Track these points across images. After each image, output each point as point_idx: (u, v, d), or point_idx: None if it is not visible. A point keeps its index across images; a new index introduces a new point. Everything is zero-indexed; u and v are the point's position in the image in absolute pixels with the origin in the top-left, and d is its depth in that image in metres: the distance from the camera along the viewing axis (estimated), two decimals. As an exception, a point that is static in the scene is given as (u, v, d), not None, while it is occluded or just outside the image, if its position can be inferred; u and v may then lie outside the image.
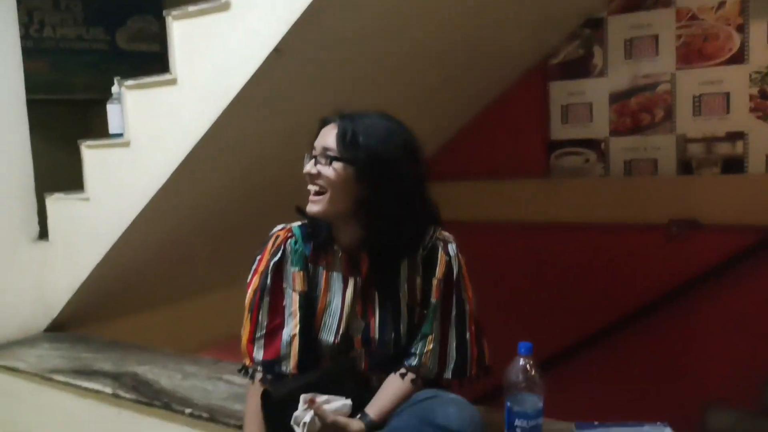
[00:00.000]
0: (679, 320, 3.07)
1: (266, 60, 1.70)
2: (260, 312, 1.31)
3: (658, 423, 1.40)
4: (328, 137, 1.25)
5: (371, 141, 1.23)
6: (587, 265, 3.25)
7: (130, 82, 1.99)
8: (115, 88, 2.06)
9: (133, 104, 2.00)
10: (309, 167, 1.25)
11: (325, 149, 1.24)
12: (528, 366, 1.21)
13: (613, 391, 3.02)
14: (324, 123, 1.30)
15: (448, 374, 1.32)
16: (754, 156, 2.90)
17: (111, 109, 2.05)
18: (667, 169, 3.09)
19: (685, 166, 3.05)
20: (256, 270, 1.33)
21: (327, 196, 1.23)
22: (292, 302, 1.31)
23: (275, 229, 1.37)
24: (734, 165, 2.95)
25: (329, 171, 1.23)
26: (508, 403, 1.22)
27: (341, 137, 1.23)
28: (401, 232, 1.26)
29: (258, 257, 1.34)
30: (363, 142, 1.22)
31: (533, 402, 1.21)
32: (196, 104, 1.84)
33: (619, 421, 1.41)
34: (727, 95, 2.92)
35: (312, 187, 1.25)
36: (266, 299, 1.31)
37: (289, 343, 1.30)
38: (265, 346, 1.31)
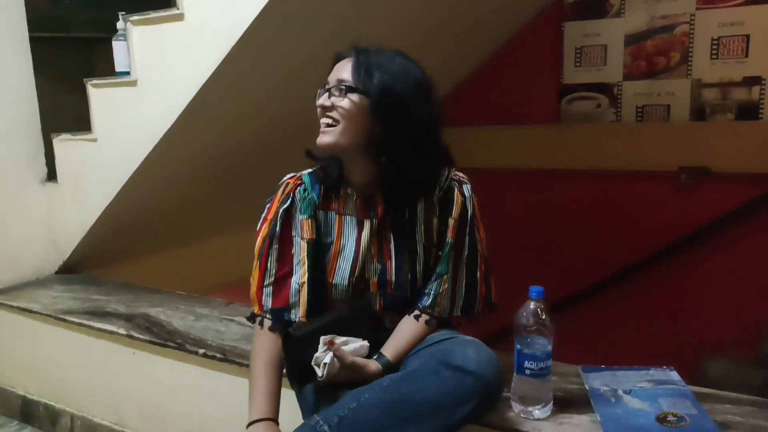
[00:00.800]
0: (686, 269, 3.08)
1: (277, -7, 1.64)
2: (269, 259, 1.31)
3: (665, 367, 1.42)
4: (343, 70, 1.24)
5: (387, 75, 1.22)
6: (596, 212, 3.24)
7: (135, 18, 1.92)
8: (120, 24, 2.00)
9: (139, 41, 1.94)
10: (323, 99, 1.23)
11: (340, 81, 1.22)
12: (539, 310, 1.22)
13: (617, 336, 3.07)
14: (338, 58, 1.28)
15: (457, 312, 1.34)
16: (770, 102, 2.85)
17: (117, 46, 2.00)
18: (680, 115, 3.03)
19: (699, 112, 3.00)
20: (265, 218, 1.33)
21: (339, 127, 1.21)
22: (301, 250, 1.31)
23: (285, 178, 1.35)
24: (749, 111, 2.90)
25: (344, 102, 1.21)
26: (518, 346, 1.23)
27: (356, 69, 1.22)
28: (412, 170, 1.25)
29: (267, 205, 1.33)
30: (378, 75, 1.21)
31: (543, 345, 1.22)
32: (204, 40, 1.80)
33: (624, 365, 1.43)
34: (747, 38, 2.84)
35: (324, 120, 1.23)
36: (275, 247, 1.31)
37: (298, 291, 1.30)
38: (274, 294, 1.32)
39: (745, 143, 2.89)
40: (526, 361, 1.22)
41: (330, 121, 1.22)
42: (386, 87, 1.21)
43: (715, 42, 2.90)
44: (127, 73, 2.00)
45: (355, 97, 1.21)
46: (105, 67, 2.12)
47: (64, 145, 2.25)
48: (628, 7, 3.06)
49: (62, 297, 2.16)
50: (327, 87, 1.24)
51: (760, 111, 2.87)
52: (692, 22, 2.93)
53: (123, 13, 2.00)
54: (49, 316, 2.02)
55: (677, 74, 3.01)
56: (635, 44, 3.08)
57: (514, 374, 1.25)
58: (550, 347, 1.22)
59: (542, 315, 1.22)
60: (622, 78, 3.14)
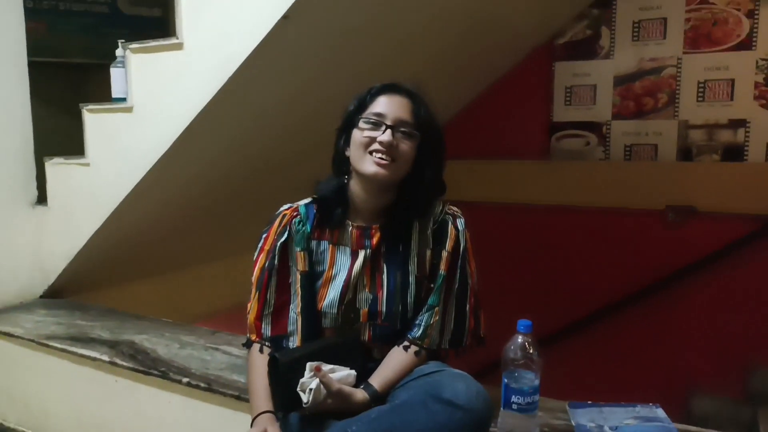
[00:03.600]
0: (672, 306, 3.10)
1: (274, 27, 1.67)
2: (268, 290, 1.34)
3: (651, 404, 1.42)
4: (402, 111, 1.29)
5: (435, 119, 1.32)
6: (584, 248, 3.26)
7: (135, 46, 1.95)
8: (119, 51, 2.02)
9: (137, 68, 1.96)
10: (386, 137, 1.26)
11: (403, 122, 1.28)
12: (527, 344, 1.22)
13: (605, 372, 3.06)
14: (384, 90, 1.32)
15: (445, 344, 1.35)
16: (754, 144, 2.91)
17: (114, 72, 2.02)
18: (668, 154, 3.09)
19: (686, 153, 3.06)
20: (262, 248, 1.35)
21: (396, 164, 1.27)
22: (296, 281, 1.33)
23: (282, 208, 1.38)
24: (734, 153, 2.95)
25: (406, 146, 1.27)
26: (506, 380, 1.23)
27: (416, 112, 1.30)
28: (427, 199, 1.33)
29: (264, 235, 1.36)
30: (430, 119, 1.31)
31: (530, 379, 1.22)
32: (202, 70, 1.82)
33: (610, 401, 1.43)
34: (732, 81, 2.91)
35: (382, 155, 1.26)
36: (274, 278, 1.34)
37: (296, 320, 1.33)
38: (273, 323, 1.34)
39: (730, 184, 2.94)
40: (513, 396, 1.21)
41: (388, 157, 1.26)
42: (436, 130, 1.32)
43: (702, 85, 2.98)
44: (124, 100, 2.02)
45: (415, 141, 1.28)
46: (98, 93, 2.14)
47: (57, 168, 2.25)
48: (618, 49, 3.14)
49: (45, 322, 2.13)
50: (384, 122, 1.27)
51: (745, 152, 2.93)
52: (679, 65, 3.01)
53: (122, 40, 2.02)
54: (31, 341, 1.99)
55: (665, 115, 3.08)
56: (624, 85, 3.15)
57: (501, 408, 1.24)
58: (537, 382, 1.22)
59: (530, 349, 1.22)
60: (611, 117, 3.20)
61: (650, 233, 3.13)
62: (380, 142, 1.25)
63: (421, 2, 2.14)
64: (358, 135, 1.28)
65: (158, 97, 1.94)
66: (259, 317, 1.34)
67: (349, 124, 1.32)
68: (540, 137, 3.37)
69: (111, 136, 2.07)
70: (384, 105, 1.29)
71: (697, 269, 3.03)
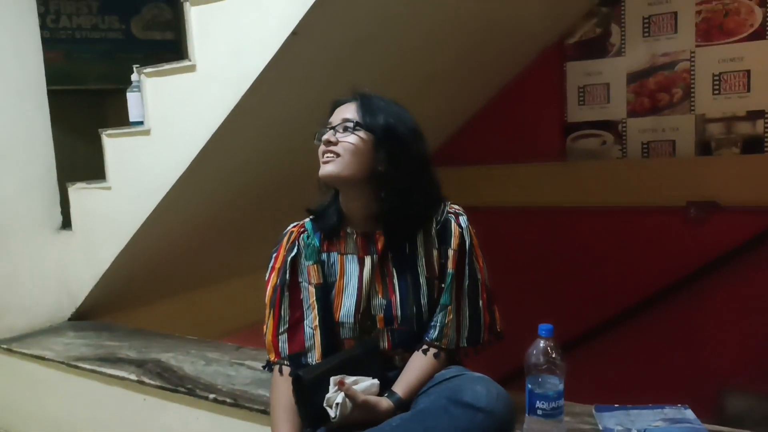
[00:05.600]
0: (698, 303, 3.05)
1: (284, 43, 1.70)
2: (282, 307, 1.35)
3: (679, 405, 1.40)
4: (347, 111, 1.31)
5: (390, 116, 1.31)
6: (605, 249, 3.23)
7: (149, 70, 1.99)
8: (134, 76, 2.06)
9: (152, 92, 2.00)
10: (328, 135, 1.29)
11: (346, 120, 1.29)
12: (549, 348, 1.21)
13: (631, 374, 3.02)
14: (338, 103, 1.36)
15: (463, 342, 1.34)
16: (775, 135, 2.86)
17: (131, 97, 2.06)
18: (686, 150, 3.05)
19: (704, 147, 3.01)
20: (273, 267, 1.37)
21: (342, 159, 1.27)
22: (309, 295, 1.34)
23: (289, 227, 1.41)
24: (754, 145, 2.91)
25: (350, 138, 1.28)
26: (529, 385, 1.22)
27: (362, 109, 1.30)
28: (410, 204, 1.31)
29: (274, 255, 1.38)
30: (383, 116, 1.30)
31: (554, 384, 1.20)
32: (215, 90, 1.85)
33: (639, 404, 1.41)
34: (748, 72, 2.87)
35: (327, 154, 1.29)
36: (286, 294, 1.35)
37: (312, 335, 1.34)
38: (290, 340, 1.35)
39: (752, 176, 2.89)
40: (538, 401, 1.20)
41: (332, 155, 1.28)
42: (390, 126, 1.29)
43: (717, 77, 2.94)
44: (141, 123, 2.06)
45: (361, 133, 1.28)
46: (116, 118, 2.19)
47: (80, 193, 2.29)
48: (629, 46, 3.11)
49: (74, 344, 2.16)
50: (331, 126, 1.31)
51: (766, 144, 2.88)
52: (693, 58, 2.97)
53: (137, 65, 2.07)
54: (62, 363, 2.02)
55: (681, 110, 3.04)
56: (637, 82, 3.12)
57: (526, 415, 1.24)
58: (561, 386, 1.21)
59: (552, 353, 1.21)
60: (626, 115, 3.17)
61: (672, 230, 3.09)
62: (323, 143, 1.29)
63: (428, 9, 2.15)
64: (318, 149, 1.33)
65: (174, 118, 1.98)
66: (276, 335, 1.36)
67: None
68: (555, 138, 3.35)
69: (130, 160, 2.11)
70: (334, 115, 1.33)
71: (722, 265, 2.98)
